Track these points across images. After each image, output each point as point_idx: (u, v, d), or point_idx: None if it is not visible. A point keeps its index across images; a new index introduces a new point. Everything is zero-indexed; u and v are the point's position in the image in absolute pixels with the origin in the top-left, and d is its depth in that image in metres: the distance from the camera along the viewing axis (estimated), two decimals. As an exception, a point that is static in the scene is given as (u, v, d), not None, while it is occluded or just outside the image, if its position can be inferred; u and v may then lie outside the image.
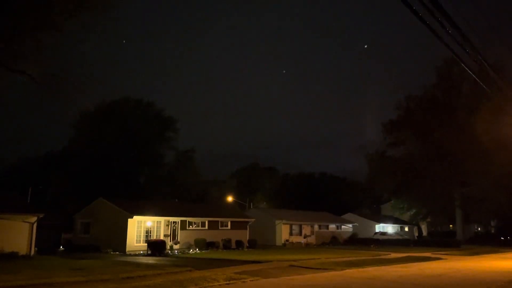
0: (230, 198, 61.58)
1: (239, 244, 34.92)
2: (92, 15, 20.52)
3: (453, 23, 7.75)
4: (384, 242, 44.85)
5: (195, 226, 34.41)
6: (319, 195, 74.66)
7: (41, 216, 25.62)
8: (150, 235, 31.01)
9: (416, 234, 59.80)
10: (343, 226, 50.95)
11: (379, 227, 54.82)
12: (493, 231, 64.02)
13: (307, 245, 42.97)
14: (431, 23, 7.48)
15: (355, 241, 46.17)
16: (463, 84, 51.09)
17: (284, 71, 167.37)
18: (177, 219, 33.08)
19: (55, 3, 19.96)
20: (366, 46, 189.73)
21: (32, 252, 24.76)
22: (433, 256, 29.11)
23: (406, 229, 58.89)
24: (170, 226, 32.56)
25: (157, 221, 31.90)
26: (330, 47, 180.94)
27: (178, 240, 32.49)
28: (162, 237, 31.16)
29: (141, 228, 30.84)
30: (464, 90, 51.80)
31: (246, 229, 38.24)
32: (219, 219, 36.57)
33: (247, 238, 37.26)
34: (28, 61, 20.26)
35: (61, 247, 31.98)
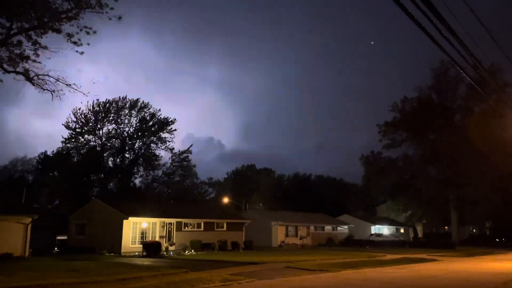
0: (226, 200, 61.55)
1: (235, 245, 34.88)
2: (89, 16, 20.51)
3: (448, 26, 7.80)
4: (380, 243, 44.95)
5: (191, 228, 34.36)
6: (315, 196, 74.73)
7: (36, 217, 25.49)
8: (145, 237, 30.91)
9: (411, 235, 59.97)
10: (339, 228, 51.04)
11: (375, 229, 54.93)
12: (488, 233, 64.32)
13: (303, 246, 42.98)
14: (426, 26, 7.54)
15: (351, 243, 46.24)
16: (458, 86, 51.43)
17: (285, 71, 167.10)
18: (173, 221, 33.02)
19: (54, 3, 19.94)
20: (372, 43, 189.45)
21: (27, 254, 24.64)
22: (428, 257, 29.23)
23: (402, 230, 59.06)
24: (165, 227, 32.49)
25: (152, 223, 31.81)
26: (329, 48, 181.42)
27: (174, 241, 32.43)
28: (157, 239, 31.05)
29: (136, 229, 30.74)
30: (460, 92, 52.16)
31: (242, 230, 38.22)
32: (215, 221, 36.52)
33: (243, 240, 37.22)
34: (25, 61, 20.21)
35: (56, 248, 31.85)
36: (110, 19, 20.39)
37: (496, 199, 47.80)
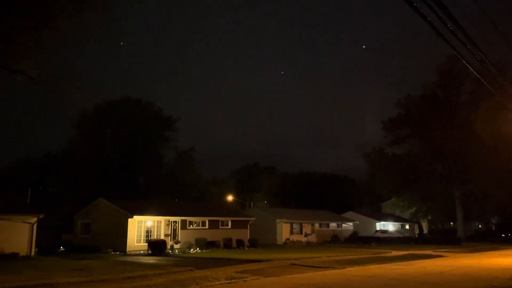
0: (230, 197, 61.55)
1: (240, 243, 34.90)
2: (92, 15, 20.47)
3: (454, 20, 7.70)
4: (385, 240, 44.84)
5: (196, 226, 34.37)
6: (320, 193, 74.62)
7: (41, 216, 25.56)
8: (150, 235, 30.96)
9: (416, 232, 59.78)
10: (343, 225, 50.91)
11: (380, 225, 54.81)
12: (493, 228, 64.08)
13: (308, 243, 42.95)
14: (432, 20, 7.44)
15: (356, 239, 46.13)
16: (464, 82, 51.13)
17: (282, 72, 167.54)
18: (178, 219, 33.04)
19: (55, 3, 19.91)
20: (364, 47, 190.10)
21: (33, 253, 24.72)
22: (434, 253, 29.12)
23: (407, 227, 58.88)
24: (170, 225, 32.52)
25: (157, 221, 31.85)
26: (330, 46, 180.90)
27: (179, 239, 32.44)
28: (162, 237, 31.10)
29: (141, 228, 30.79)
30: (465, 88, 51.85)
31: (247, 228, 38.21)
32: (220, 219, 36.52)
33: (248, 237, 37.22)
34: (28, 61, 20.20)
35: (62, 247, 31.92)
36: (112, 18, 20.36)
37: (502, 195, 47.53)
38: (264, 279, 15.32)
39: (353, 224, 51.75)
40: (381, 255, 27.79)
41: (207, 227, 34.96)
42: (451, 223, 59.90)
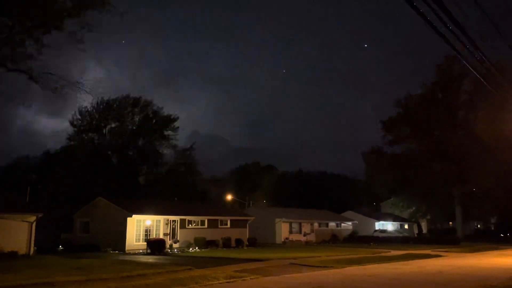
0: (229, 197, 61.55)
1: (239, 242, 34.92)
2: (92, 14, 20.49)
3: (454, 20, 7.70)
4: (384, 239, 44.85)
5: (195, 225, 34.37)
6: (319, 193, 74.66)
7: (40, 215, 25.55)
8: (149, 234, 30.95)
9: (416, 231, 59.83)
10: (343, 224, 50.94)
11: (379, 225, 54.82)
12: (492, 228, 64.14)
13: (307, 243, 42.96)
14: (432, 20, 7.44)
15: (355, 239, 46.14)
16: (463, 81, 51.14)
17: (284, 71, 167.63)
18: (177, 218, 33.04)
19: (55, 2, 19.92)
20: (366, 46, 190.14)
21: (32, 252, 24.72)
22: (433, 253, 29.13)
23: (406, 226, 58.93)
24: (169, 224, 32.51)
25: (156, 220, 31.84)
26: (330, 45, 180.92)
27: (178, 238, 32.44)
28: (161, 236, 31.09)
29: (140, 227, 30.77)
30: (464, 88, 51.86)
31: (246, 227, 38.23)
32: (219, 218, 36.53)
33: (247, 237, 37.23)
34: (28, 61, 20.22)
35: (60, 246, 31.91)
36: (112, 16, 20.38)
37: (502, 195, 47.55)
38: (263, 278, 15.32)
39: (352, 223, 51.76)
40: (380, 254, 27.78)
41: (206, 226, 34.96)
42: (450, 222, 59.92)
